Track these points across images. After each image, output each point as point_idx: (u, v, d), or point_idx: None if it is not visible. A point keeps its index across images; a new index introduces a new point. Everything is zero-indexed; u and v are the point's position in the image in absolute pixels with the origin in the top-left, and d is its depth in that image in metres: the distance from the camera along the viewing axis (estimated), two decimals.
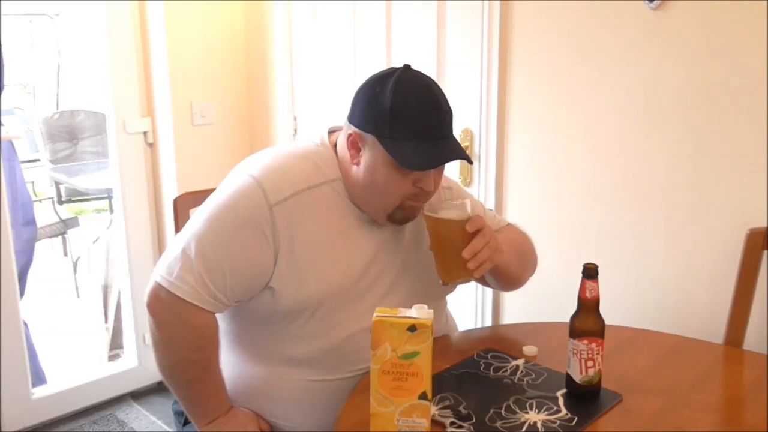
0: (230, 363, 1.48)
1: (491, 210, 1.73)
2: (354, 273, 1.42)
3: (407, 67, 1.39)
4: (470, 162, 1.44)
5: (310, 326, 1.39)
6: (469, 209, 1.41)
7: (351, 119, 1.40)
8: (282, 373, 1.43)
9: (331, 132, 1.50)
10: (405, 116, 1.33)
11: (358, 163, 1.39)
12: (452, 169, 2.32)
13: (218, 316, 1.43)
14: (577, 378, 1.31)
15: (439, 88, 1.39)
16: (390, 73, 1.37)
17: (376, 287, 1.45)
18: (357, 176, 1.40)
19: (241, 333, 1.47)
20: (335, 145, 1.46)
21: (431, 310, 1.19)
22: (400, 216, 1.42)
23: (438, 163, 1.36)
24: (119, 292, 3.26)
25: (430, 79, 1.39)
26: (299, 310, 1.39)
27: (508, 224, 1.71)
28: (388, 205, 1.39)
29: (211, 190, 1.47)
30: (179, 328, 1.37)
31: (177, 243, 1.37)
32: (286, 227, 1.35)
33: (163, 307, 1.35)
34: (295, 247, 1.36)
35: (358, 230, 1.44)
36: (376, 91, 1.35)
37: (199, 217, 1.39)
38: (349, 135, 1.39)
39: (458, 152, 1.38)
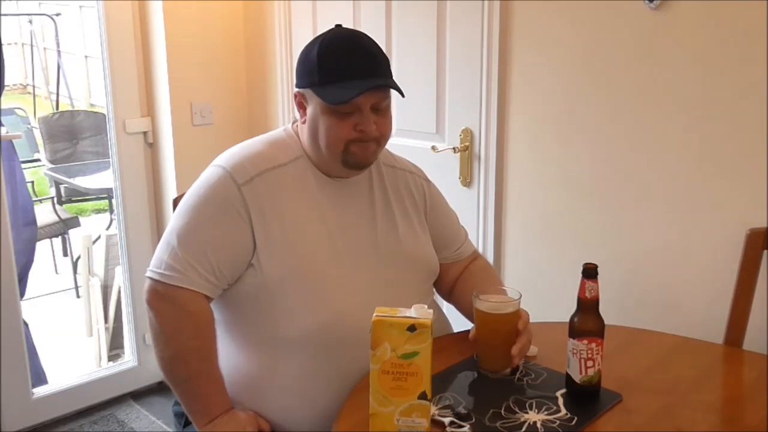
0: (227, 353, 1.49)
1: (464, 227, 1.76)
2: (328, 244, 1.47)
3: (338, 26, 1.50)
4: (402, 95, 1.45)
5: (296, 303, 1.42)
6: (516, 296, 1.43)
7: (295, 84, 1.49)
8: (278, 359, 1.44)
9: (294, 122, 1.58)
10: (330, 62, 1.42)
11: (305, 122, 1.48)
12: (452, 168, 2.32)
13: (212, 306, 1.46)
14: (577, 378, 1.31)
15: (369, 39, 1.46)
16: (321, 34, 1.47)
17: (356, 259, 1.49)
18: (306, 133, 1.48)
19: (233, 319, 1.50)
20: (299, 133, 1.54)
21: (431, 310, 1.20)
22: (353, 161, 1.46)
23: (356, 93, 1.39)
24: (119, 292, 3.26)
25: (360, 32, 1.48)
26: (282, 285, 1.42)
27: (475, 253, 1.75)
28: (335, 152, 1.45)
29: None
30: (177, 316, 1.42)
31: (162, 240, 1.46)
32: (257, 205, 1.43)
33: (160, 298, 1.42)
34: (269, 223, 1.43)
35: (328, 204, 1.50)
36: (308, 51, 1.46)
37: (177, 212, 1.48)
38: (295, 97, 1.50)
39: (382, 83, 1.42)
